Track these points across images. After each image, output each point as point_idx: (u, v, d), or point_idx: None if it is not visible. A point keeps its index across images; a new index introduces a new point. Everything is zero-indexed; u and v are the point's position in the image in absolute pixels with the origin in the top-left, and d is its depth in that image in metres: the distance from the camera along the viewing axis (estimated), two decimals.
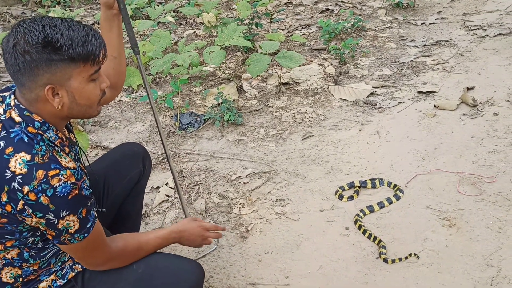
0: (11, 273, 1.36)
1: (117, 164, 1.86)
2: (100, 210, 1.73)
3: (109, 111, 3.74)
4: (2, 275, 1.36)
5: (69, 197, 1.20)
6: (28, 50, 1.17)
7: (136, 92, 3.97)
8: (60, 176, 1.20)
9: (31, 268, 1.38)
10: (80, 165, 1.43)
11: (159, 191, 2.72)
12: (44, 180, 1.18)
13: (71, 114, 1.31)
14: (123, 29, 1.71)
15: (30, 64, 1.18)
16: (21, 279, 1.38)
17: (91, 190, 1.31)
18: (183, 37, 4.96)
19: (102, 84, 1.34)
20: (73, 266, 1.47)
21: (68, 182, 1.21)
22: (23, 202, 1.18)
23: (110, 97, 1.70)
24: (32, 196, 1.17)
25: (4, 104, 1.29)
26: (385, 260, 2.12)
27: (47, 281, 1.43)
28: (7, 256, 1.33)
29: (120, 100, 3.89)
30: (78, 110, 1.31)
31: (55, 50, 1.18)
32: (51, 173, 1.19)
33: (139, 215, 2.06)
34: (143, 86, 1.74)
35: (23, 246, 1.32)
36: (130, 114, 3.68)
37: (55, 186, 1.18)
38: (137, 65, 1.79)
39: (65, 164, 1.23)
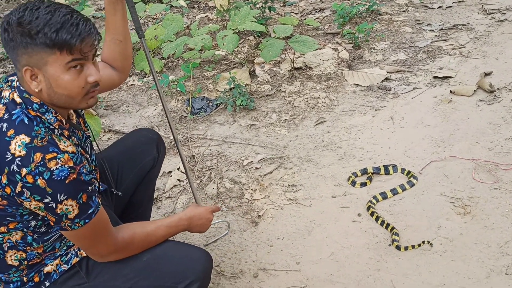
0: (15, 256, 1.37)
1: (131, 150, 1.85)
2: (119, 193, 1.72)
3: (121, 95, 3.74)
4: (7, 257, 1.37)
5: (67, 181, 1.19)
6: (7, 28, 1.19)
7: (148, 77, 3.96)
8: (57, 159, 1.19)
9: (35, 251, 1.38)
10: (81, 150, 1.40)
11: (171, 176, 2.72)
12: (41, 163, 1.17)
13: (52, 102, 1.28)
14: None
15: (9, 42, 1.20)
16: (25, 262, 1.39)
17: (92, 176, 1.29)
18: (195, 21, 4.92)
19: (89, 77, 1.27)
20: (78, 252, 1.46)
21: (66, 166, 1.19)
22: (21, 184, 1.18)
23: (118, 81, 1.70)
24: (29, 179, 1.17)
25: (10, 87, 1.29)
26: (398, 247, 2.10)
27: (52, 265, 1.42)
28: (11, 239, 1.33)
29: (132, 85, 3.88)
30: (57, 98, 1.26)
31: (27, 33, 1.17)
32: (48, 156, 1.18)
33: (150, 201, 2.06)
34: (150, 71, 1.70)
35: (25, 230, 1.32)
36: (142, 98, 3.68)
37: (52, 169, 1.18)
38: (143, 48, 1.76)
39: (63, 148, 1.22)
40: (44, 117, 1.26)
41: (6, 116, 1.23)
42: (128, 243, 1.43)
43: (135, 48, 4.04)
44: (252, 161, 2.80)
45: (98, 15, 5.37)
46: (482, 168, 2.53)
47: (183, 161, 1.94)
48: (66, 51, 1.20)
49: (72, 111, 1.44)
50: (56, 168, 1.18)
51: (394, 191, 2.43)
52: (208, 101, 3.43)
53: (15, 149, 1.18)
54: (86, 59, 1.25)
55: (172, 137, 3.12)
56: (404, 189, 2.45)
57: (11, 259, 1.37)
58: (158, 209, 2.51)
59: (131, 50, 1.71)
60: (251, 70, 3.78)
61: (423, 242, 2.10)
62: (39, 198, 1.19)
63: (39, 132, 1.21)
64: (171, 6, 5.18)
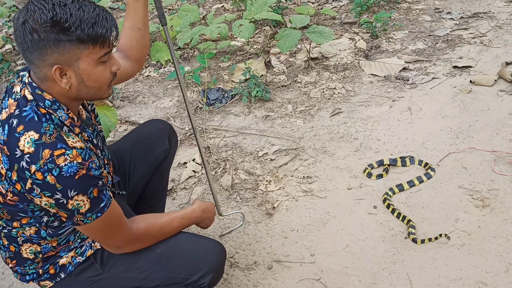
0: (30, 249, 1.38)
1: (143, 141, 1.84)
2: (121, 193, 1.71)
3: (137, 87, 3.76)
4: (22, 251, 1.39)
5: (76, 177, 1.19)
6: (36, 28, 1.15)
7: (164, 68, 3.97)
8: (65, 156, 1.19)
9: (49, 245, 1.39)
10: (91, 146, 1.40)
11: (186, 167, 2.73)
12: (50, 159, 1.17)
13: (79, 96, 1.29)
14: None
15: (38, 43, 1.16)
16: (40, 255, 1.40)
17: (101, 170, 1.30)
18: (211, 11, 4.90)
19: (113, 67, 1.31)
20: (92, 244, 1.47)
21: (74, 162, 1.19)
22: (31, 181, 1.18)
23: (132, 71, 1.69)
24: (39, 176, 1.17)
25: (21, 83, 1.28)
26: (414, 240, 2.08)
27: (66, 257, 1.44)
28: (25, 233, 1.35)
29: (148, 76, 3.89)
30: (86, 92, 1.28)
31: (63, 31, 1.16)
32: (56, 152, 1.18)
33: (164, 192, 2.06)
34: (171, 59, 1.68)
35: (38, 225, 1.33)
36: (158, 89, 3.68)
37: (61, 165, 1.18)
38: (165, 38, 1.74)
39: (71, 144, 1.22)
40: (55, 114, 1.26)
41: (16, 112, 1.23)
42: (143, 234, 1.44)
43: (151, 39, 4.05)
44: (267, 153, 2.79)
45: (115, 7, 5.39)
46: (502, 160, 2.48)
47: (201, 153, 1.93)
48: (100, 45, 1.22)
49: (81, 107, 1.44)
50: (65, 165, 1.18)
51: (411, 183, 2.40)
52: (223, 92, 3.43)
53: (24, 145, 1.18)
54: (112, 51, 1.29)
55: (187, 128, 3.13)
56: (421, 181, 2.41)
57: (26, 252, 1.39)
58: (173, 200, 2.52)
59: (148, 40, 1.70)
60: (266, 60, 3.76)
61: (440, 235, 2.07)
62: (50, 194, 1.20)
63: (47, 128, 1.21)
64: None
